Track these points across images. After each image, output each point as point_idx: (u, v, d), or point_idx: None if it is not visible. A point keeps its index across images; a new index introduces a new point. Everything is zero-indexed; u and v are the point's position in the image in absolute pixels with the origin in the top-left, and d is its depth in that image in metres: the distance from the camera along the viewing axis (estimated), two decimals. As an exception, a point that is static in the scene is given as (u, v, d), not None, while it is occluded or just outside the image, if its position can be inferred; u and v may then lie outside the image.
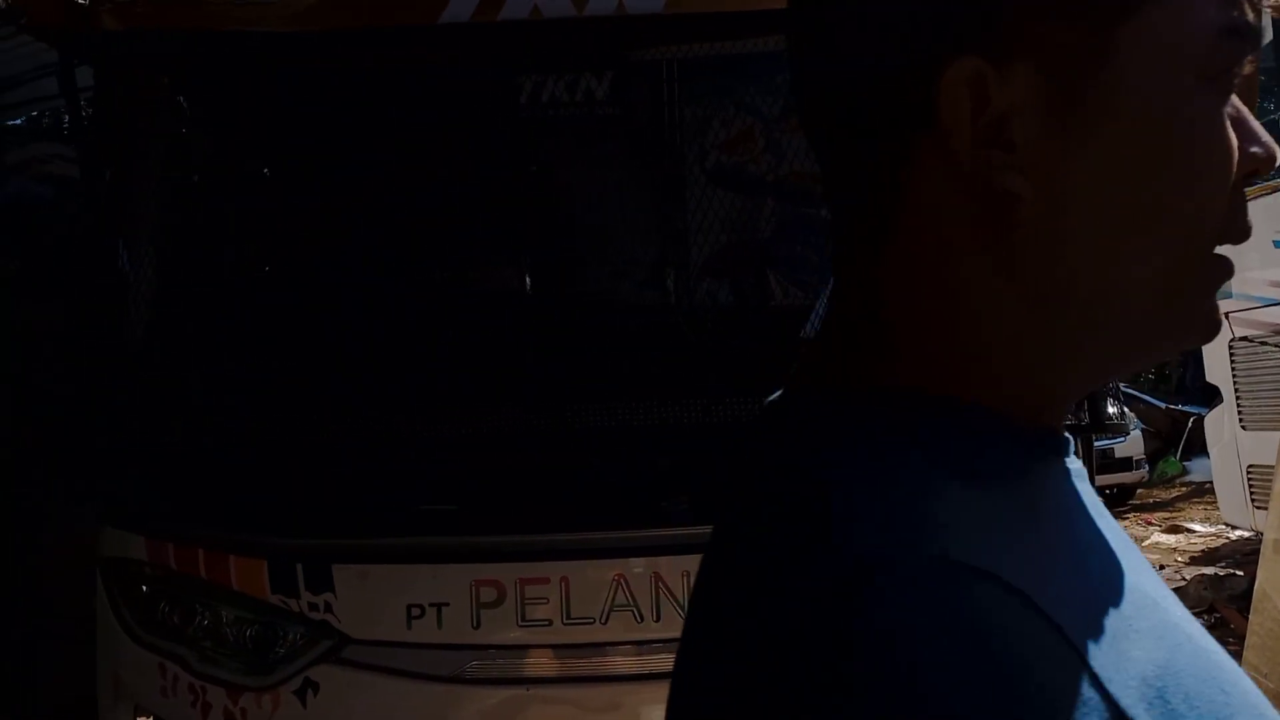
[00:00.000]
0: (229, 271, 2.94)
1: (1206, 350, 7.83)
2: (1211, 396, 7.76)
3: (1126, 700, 0.44)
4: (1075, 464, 0.59)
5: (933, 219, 0.54)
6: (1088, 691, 0.43)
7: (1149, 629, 0.49)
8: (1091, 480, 2.68)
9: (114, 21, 2.55)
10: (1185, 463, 13.65)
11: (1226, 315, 7.33)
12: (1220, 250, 0.56)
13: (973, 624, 0.43)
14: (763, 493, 0.53)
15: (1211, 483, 8.81)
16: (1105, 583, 0.51)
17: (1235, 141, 0.53)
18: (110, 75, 2.58)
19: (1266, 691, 3.36)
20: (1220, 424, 7.74)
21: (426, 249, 3.07)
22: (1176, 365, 17.26)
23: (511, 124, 2.72)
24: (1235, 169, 0.53)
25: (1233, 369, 7.37)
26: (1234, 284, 7.33)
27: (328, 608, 2.37)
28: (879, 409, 0.54)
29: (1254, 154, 0.53)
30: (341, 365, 2.54)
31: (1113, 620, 0.48)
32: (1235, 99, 0.54)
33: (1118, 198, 0.51)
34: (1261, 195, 7.17)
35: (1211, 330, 0.56)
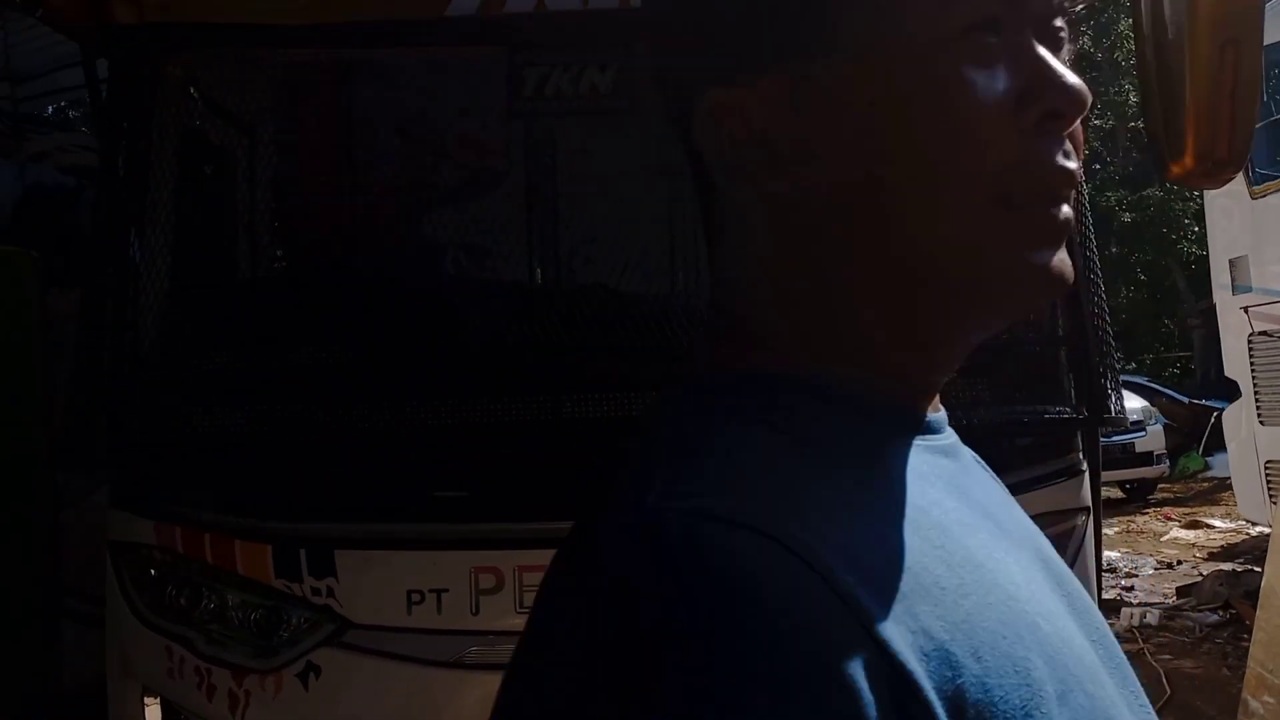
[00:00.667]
0: (239, 261, 2.98)
1: (1226, 344, 7.76)
2: (1234, 391, 7.68)
3: (898, 645, 0.46)
4: (945, 440, 0.62)
5: (737, 219, 0.60)
6: (850, 635, 0.46)
7: (957, 588, 0.51)
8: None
9: (127, 14, 2.59)
10: (1207, 458, 13.53)
11: (1246, 310, 7.26)
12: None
13: (719, 568, 0.46)
14: (601, 476, 0.57)
15: (1231, 478, 8.74)
16: (924, 548, 0.52)
17: (1010, 86, 0.54)
18: (123, 67, 2.61)
19: (1272, 688, 3.33)
20: (1238, 419, 7.67)
21: (435, 239, 3.10)
22: (1201, 360, 17.11)
23: (517, 115, 2.73)
24: (1018, 114, 0.54)
25: (1251, 364, 7.30)
26: (1253, 278, 7.26)
27: (330, 592, 2.41)
28: (715, 390, 0.58)
29: (1049, 96, 0.54)
30: (345, 355, 2.57)
31: (912, 580, 0.49)
32: (1031, 43, 0.55)
33: (888, 170, 0.55)
34: (1280, 190, 7.08)
35: (1049, 284, 0.56)
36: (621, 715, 0.44)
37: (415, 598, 2.36)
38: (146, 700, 2.67)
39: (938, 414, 0.64)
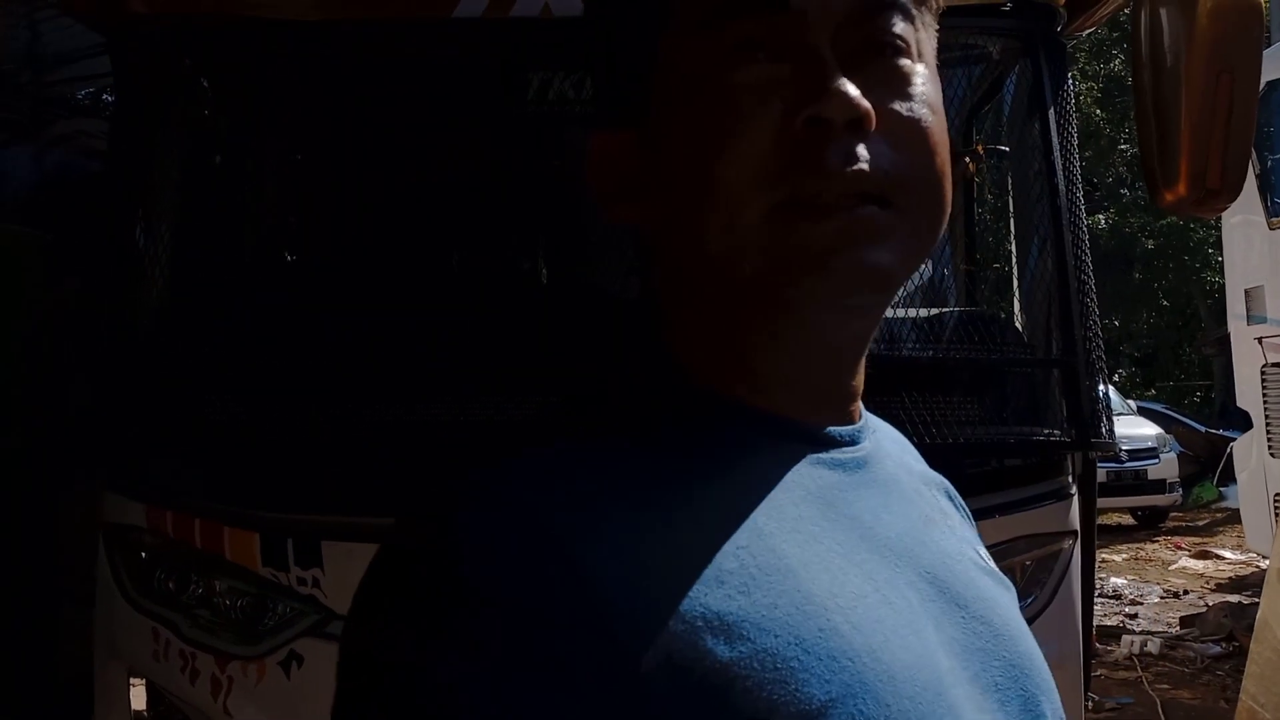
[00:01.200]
0: (240, 252, 3.02)
1: (1239, 375, 7.70)
2: (1249, 422, 7.63)
3: (619, 622, 0.51)
4: (845, 454, 0.65)
5: (633, 244, 0.69)
6: (572, 609, 0.51)
7: (740, 585, 0.54)
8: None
9: (141, 6, 2.64)
10: (1222, 488, 13.39)
11: (1260, 340, 7.20)
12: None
13: (463, 543, 0.53)
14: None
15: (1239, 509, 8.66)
16: (726, 546, 0.55)
17: (781, 98, 0.58)
18: (134, 58, 2.65)
19: (1261, 723, 3.25)
20: (1249, 450, 7.61)
21: (437, 238, 3.13)
22: (1220, 389, 16.95)
23: (520, 119, 2.76)
24: (787, 123, 0.58)
25: (1264, 395, 7.24)
26: (1269, 308, 7.20)
27: (315, 583, 2.43)
28: (600, 392, 0.65)
29: (812, 103, 0.57)
30: (341, 348, 2.60)
31: (690, 569, 0.53)
32: (811, 54, 0.58)
33: (688, 196, 0.61)
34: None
35: (852, 282, 0.59)
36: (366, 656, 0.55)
37: (398, 590, 2.38)
38: (133, 681, 2.70)
39: (847, 427, 0.66)
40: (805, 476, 0.62)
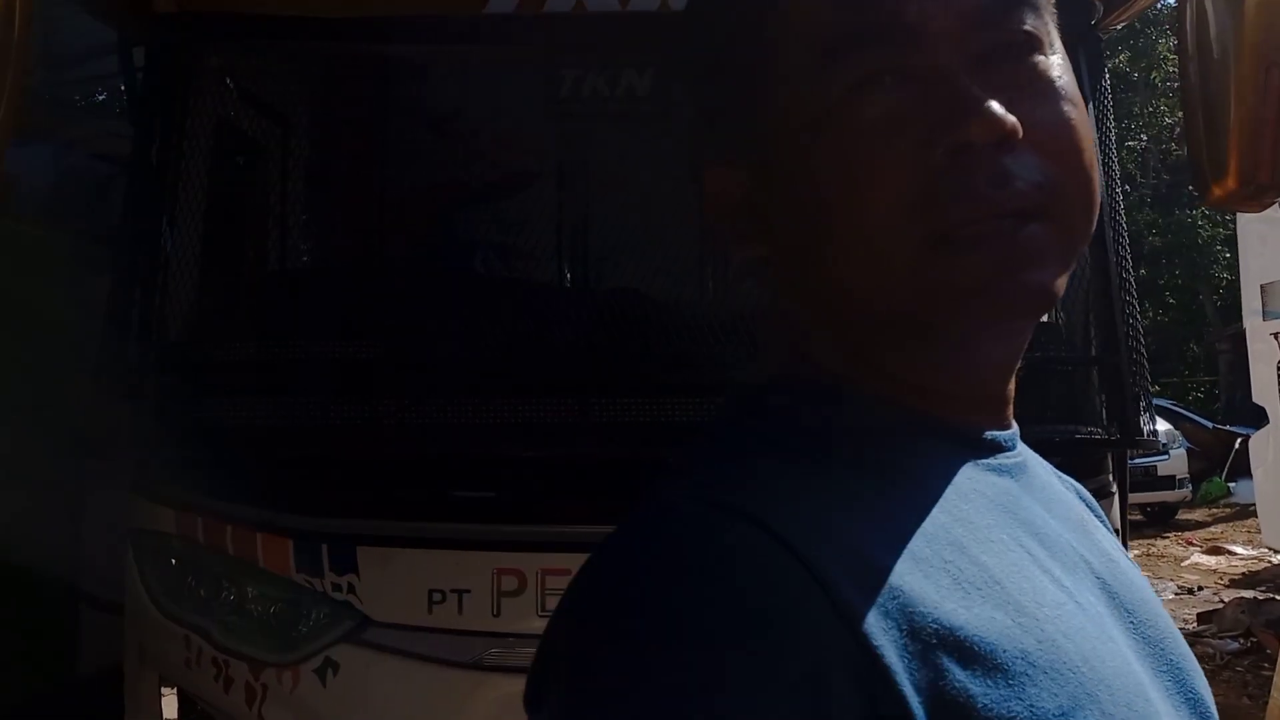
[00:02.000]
0: (269, 253, 2.99)
1: (1255, 371, 7.68)
2: (1260, 417, 7.62)
3: (879, 639, 0.48)
4: (1009, 459, 0.64)
5: (748, 266, 0.66)
6: (825, 625, 0.48)
7: (960, 600, 0.52)
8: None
9: (167, 4, 2.60)
10: (1230, 484, 13.41)
11: (1276, 336, 7.19)
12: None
13: (711, 547, 0.50)
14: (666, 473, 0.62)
15: (1255, 505, 8.66)
16: (933, 559, 0.53)
17: (915, 128, 0.55)
18: (161, 56, 2.62)
19: (1295, 721, 3.24)
20: (1266, 446, 7.59)
21: (466, 236, 3.10)
22: (1226, 385, 16.96)
23: (553, 115, 2.73)
24: (927, 152, 0.55)
25: (1281, 391, 7.23)
26: (1284, 304, 7.18)
27: (350, 589, 2.40)
28: (762, 401, 0.63)
29: (952, 128, 0.54)
30: (373, 351, 2.56)
31: (912, 585, 0.51)
32: (941, 75, 0.55)
33: (823, 236, 0.58)
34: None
35: (1017, 307, 0.57)
36: (598, 674, 0.49)
37: (436, 597, 2.35)
38: (164, 690, 2.67)
39: (1004, 432, 0.65)
40: (980, 483, 0.61)
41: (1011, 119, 0.54)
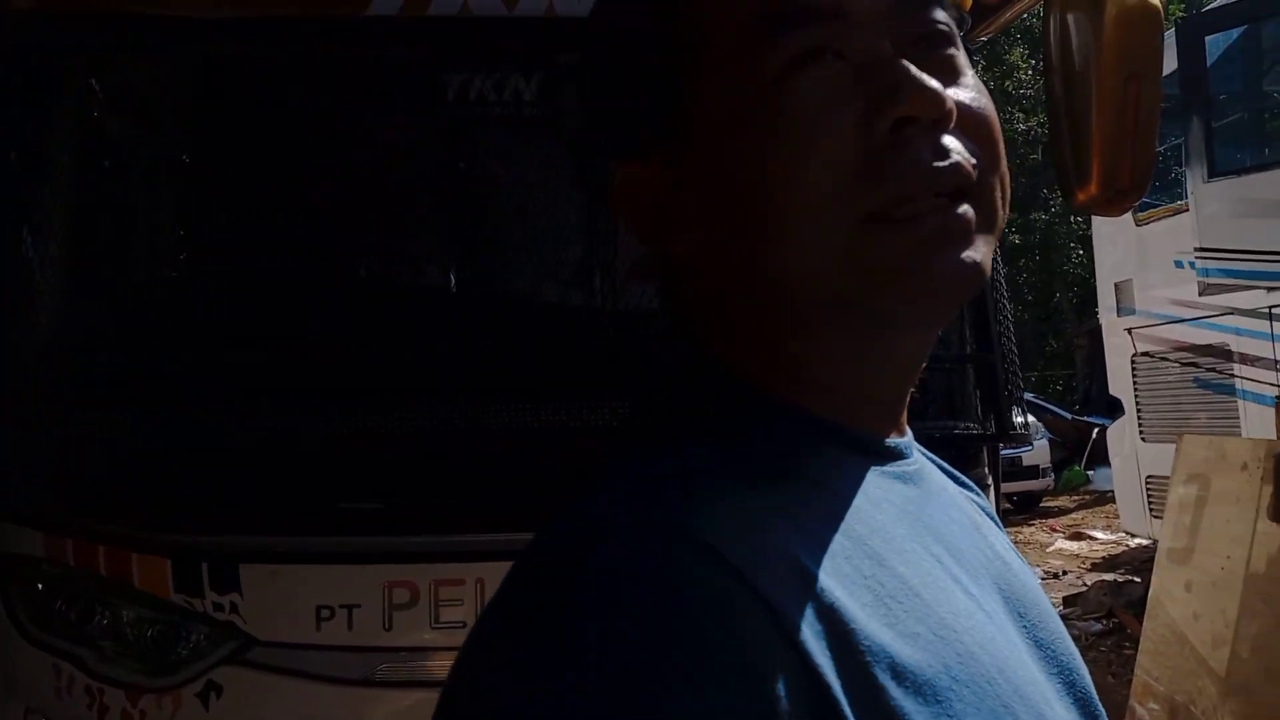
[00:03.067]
0: (137, 260, 2.86)
1: (1110, 364, 8.10)
2: (1115, 408, 8.03)
3: (819, 659, 0.48)
4: (909, 466, 0.64)
5: (665, 268, 0.65)
6: (773, 643, 0.48)
7: (883, 615, 0.53)
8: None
9: (25, 2, 2.47)
10: (1089, 472, 14.08)
11: (1129, 331, 7.59)
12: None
13: (654, 569, 0.49)
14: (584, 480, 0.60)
15: (1113, 491, 9.11)
16: (854, 575, 0.53)
17: (854, 104, 0.55)
18: (19, 57, 2.48)
19: (1158, 695, 3.46)
20: (1122, 435, 8.01)
21: (350, 240, 3.03)
22: (1083, 377, 17.80)
23: (438, 120, 2.69)
24: (869, 128, 0.55)
25: (1135, 383, 7.63)
26: (1137, 301, 7.59)
27: (233, 608, 2.32)
28: (681, 410, 0.62)
29: (896, 102, 0.55)
30: (250, 359, 2.48)
31: (839, 601, 0.51)
32: (878, 53, 0.56)
33: (757, 217, 0.57)
34: (1164, 217, 7.45)
35: (946, 287, 0.57)
36: (527, 691, 0.47)
37: (325, 613, 2.29)
38: (31, 722, 2.53)
39: (901, 439, 0.65)
40: (888, 492, 0.61)
41: (951, 97, 0.56)
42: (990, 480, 2.78)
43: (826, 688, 0.48)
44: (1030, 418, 12.86)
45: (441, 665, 2.30)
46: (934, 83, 0.55)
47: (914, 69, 0.55)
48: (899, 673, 0.50)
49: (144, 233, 2.89)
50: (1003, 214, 0.61)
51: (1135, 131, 2.32)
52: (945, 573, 0.59)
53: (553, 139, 2.82)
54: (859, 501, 0.58)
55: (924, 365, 0.66)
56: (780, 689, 0.47)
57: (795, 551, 0.52)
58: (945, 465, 0.76)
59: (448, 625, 2.27)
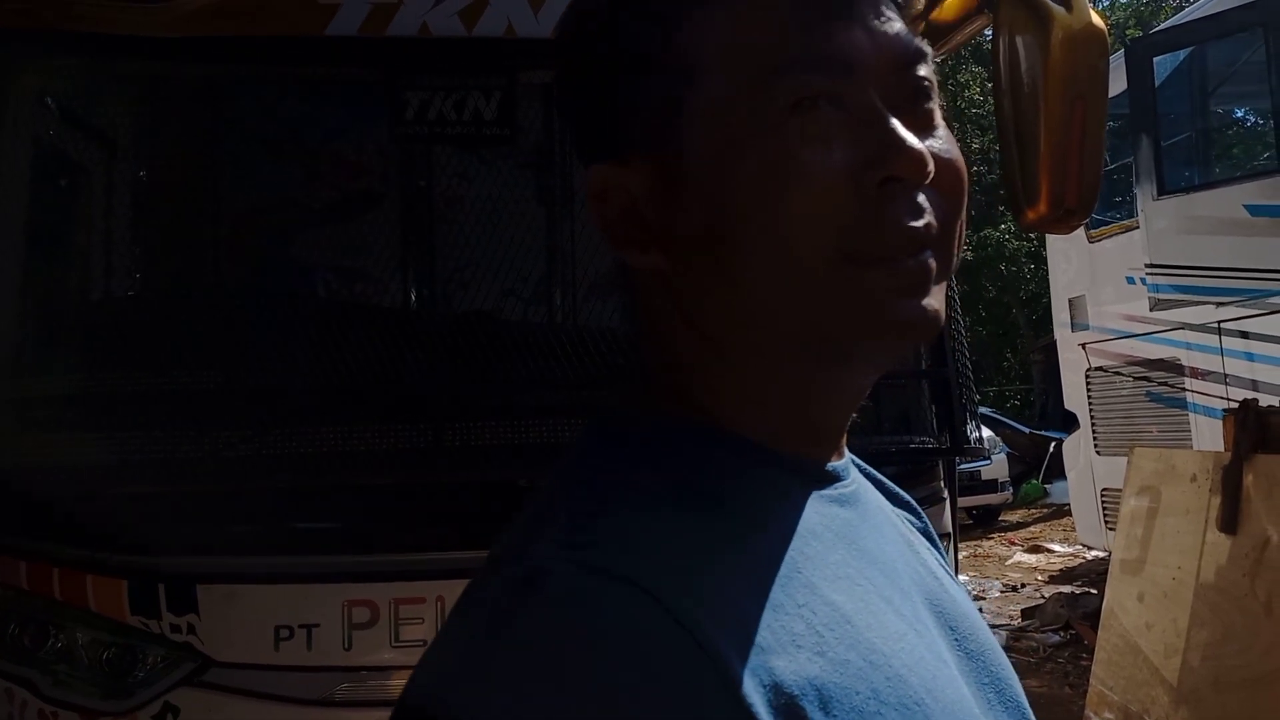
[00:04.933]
0: (91, 278, 2.84)
1: (1066, 379, 8.22)
2: (1071, 422, 8.14)
3: (753, 699, 0.50)
4: (846, 488, 0.66)
5: (634, 281, 0.66)
6: (711, 689, 0.49)
7: (814, 646, 0.54)
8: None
9: (-21, 18, 2.45)
10: (1047, 485, 14.24)
11: (1083, 346, 7.71)
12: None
13: (590, 617, 0.50)
14: (522, 514, 0.60)
15: (1070, 505, 9.22)
16: (788, 605, 0.55)
17: (850, 153, 0.58)
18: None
19: (1112, 705, 3.51)
20: (1077, 449, 8.11)
21: (306, 260, 3.02)
22: (1040, 392, 18.02)
23: (397, 139, 2.69)
24: (860, 178, 0.58)
25: (1089, 397, 7.75)
26: (1090, 317, 7.71)
27: (191, 629, 2.29)
28: (623, 440, 0.63)
29: (886, 161, 0.58)
30: (206, 379, 2.47)
31: (771, 636, 0.53)
32: (874, 108, 0.59)
33: (737, 241, 0.59)
34: (1115, 234, 7.58)
35: (905, 331, 0.60)
36: None
37: (284, 633, 2.27)
38: (-19, 749, 2.48)
39: (839, 461, 0.67)
40: (825, 517, 0.63)
41: (933, 161, 0.59)
42: (946, 494, 2.82)
43: None
44: (988, 432, 13.01)
45: (402, 684, 2.28)
46: (920, 145, 0.59)
47: (903, 130, 0.59)
48: (827, 701, 0.52)
49: (97, 252, 2.87)
50: (957, 259, 0.64)
51: (1081, 152, 2.37)
52: (878, 595, 0.61)
53: (512, 154, 2.84)
54: (797, 529, 0.60)
55: (866, 394, 0.68)
56: None
57: (733, 587, 0.54)
58: (885, 481, 0.78)
59: (408, 644, 2.27)
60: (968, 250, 20.33)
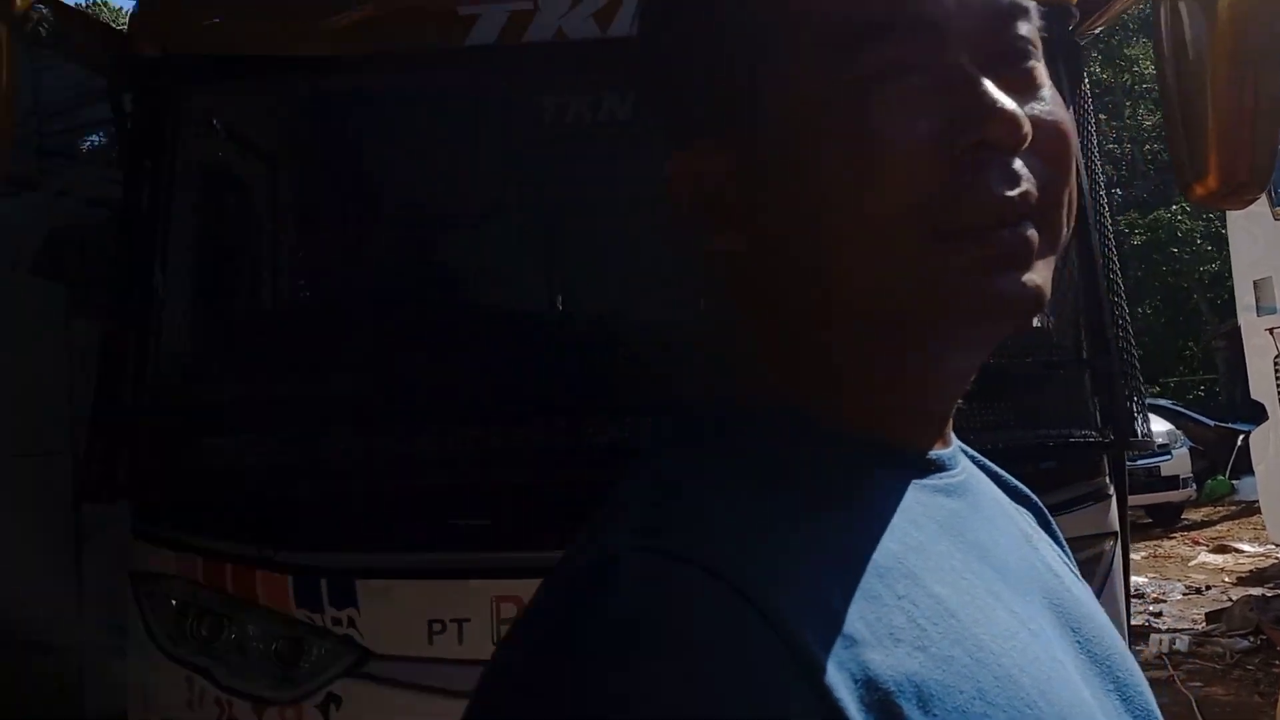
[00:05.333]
0: (260, 292, 3.00)
1: (1251, 366, 7.70)
2: (1259, 413, 7.63)
3: (840, 693, 0.47)
4: (952, 478, 0.62)
5: (710, 268, 0.64)
6: (790, 681, 0.47)
7: (914, 640, 0.51)
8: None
9: (151, 46, 2.62)
10: (1235, 481, 13.36)
11: (1271, 331, 7.20)
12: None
13: (666, 605, 0.48)
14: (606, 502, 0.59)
15: (1260, 501, 8.65)
16: (887, 596, 0.52)
17: (936, 121, 0.54)
18: (146, 99, 2.64)
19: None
20: (1266, 442, 7.59)
21: (452, 267, 3.11)
22: (1225, 382, 16.96)
23: (537, 143, 2.75)
24: (946, 147, 0.54)
25: (1278, 386, 7.23)
26: (1278, 299, 7.19)
27: (351, 622, 2.40)
28: (702, 428, 0.61)
29: (976, 126, 0.54)
30: (364, 385, 2.57)
31: (866, 629, 0.50)
32: (964, 72, 0.55)
33: (821, 220, 0.56)
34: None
35: (1003, 310, 0.56)
36: None
37: (437, 627, 2.35)
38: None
39: (945, 450, 0.64)
40: (929, 507, 0.60)
41: (1028, 123, 0.55)
42: (1112, 490, 2.68)
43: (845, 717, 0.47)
44: (1167, 426, 12.32)
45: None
46: (1013, 106, 0.55)
47: (995, 91, 0.55)
48: (927, 699, 0.49)
49: (265, 265, 3.03)
50: (1067, 232, 0.60)
51: (1253, 122, 2.22)
52: (987, 590, 0.57)
53: (649, 157, 2.84)
54: (896, 519, 0.57)
55: (972, 379, 0.64)
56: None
57: (820, 577, 0.51)
58: (1002, 474, 0.73)
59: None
60: (1137, 235, 19.33)
